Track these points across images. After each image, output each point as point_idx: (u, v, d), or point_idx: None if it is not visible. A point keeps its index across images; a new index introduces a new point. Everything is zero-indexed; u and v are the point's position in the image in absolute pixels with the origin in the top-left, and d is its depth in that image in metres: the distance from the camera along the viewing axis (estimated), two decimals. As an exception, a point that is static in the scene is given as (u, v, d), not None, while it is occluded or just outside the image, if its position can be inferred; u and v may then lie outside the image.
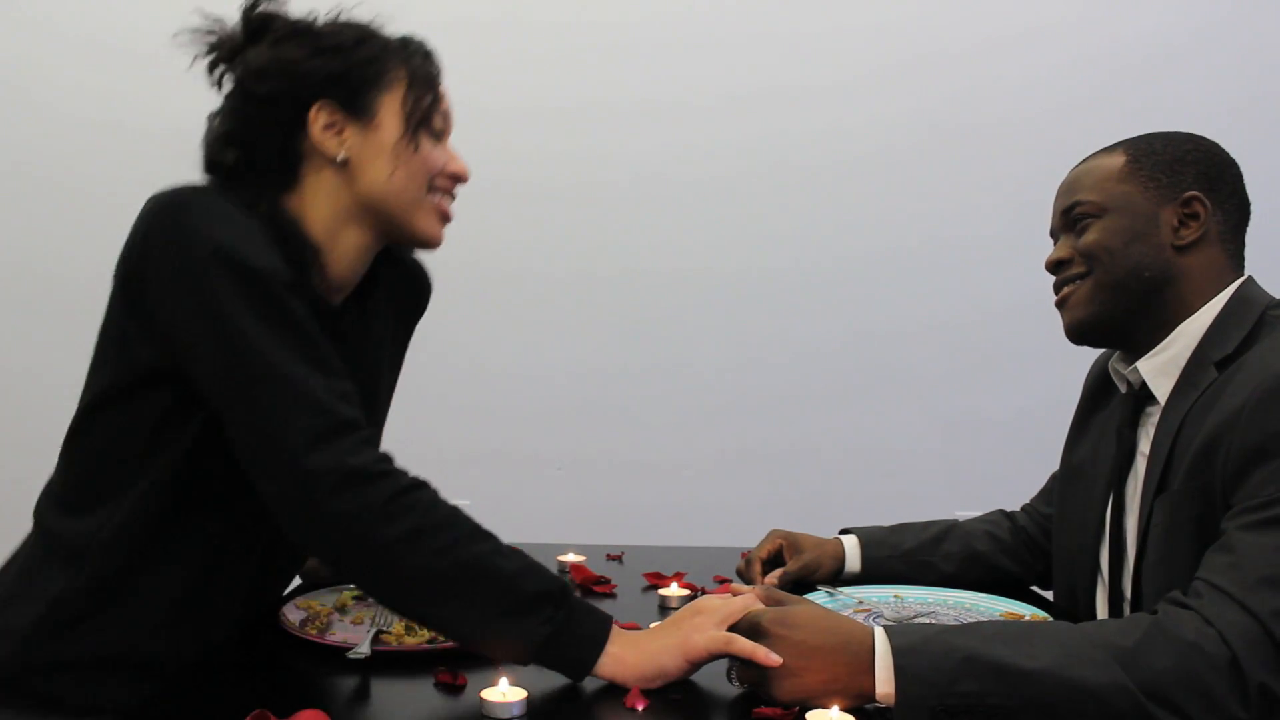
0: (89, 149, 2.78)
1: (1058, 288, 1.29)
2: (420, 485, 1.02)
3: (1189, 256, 1.21)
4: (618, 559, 1.59)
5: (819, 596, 1.34)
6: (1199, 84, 2.71)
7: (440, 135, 1.22)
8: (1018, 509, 1.58)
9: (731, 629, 1.02)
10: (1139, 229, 1.22)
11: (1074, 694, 0.92)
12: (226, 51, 1.18)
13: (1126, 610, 1.21)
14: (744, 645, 0.99)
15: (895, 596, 1.36)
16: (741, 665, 1.01)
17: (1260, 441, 1.03)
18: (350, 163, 1.16)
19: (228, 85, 1.18)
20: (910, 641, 0.96)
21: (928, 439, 2.83)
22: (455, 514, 1.02)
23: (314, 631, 1.17)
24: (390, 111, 1.17)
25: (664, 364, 2.84)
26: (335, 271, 1.18)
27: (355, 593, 1.33)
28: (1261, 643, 0.93)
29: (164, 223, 1.05)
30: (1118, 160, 1.25)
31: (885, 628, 0.98)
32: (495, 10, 2.76)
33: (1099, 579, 1.28)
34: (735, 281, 2.80)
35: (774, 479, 2.82)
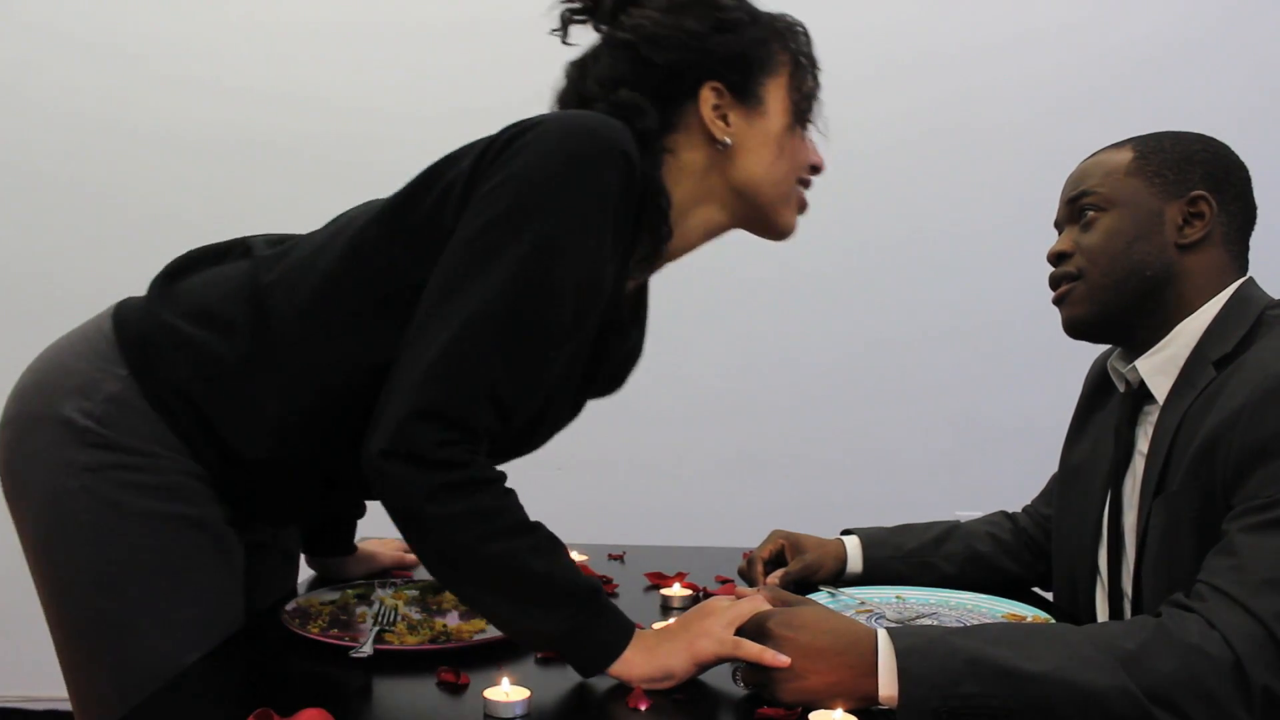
0: (88, 150, 2.78)
1: (1055, 282, 1.28)
2: (488, 480, 1.01)
3: (1191, 256, 1.21)
4: (619, 559, 1.59)
5: (821, 597, 1.34)
6: (1202, 84, 2.71)
7: (809, 123, 1.20)
8: (1019, 510, 1.58)
9: (738, 632, 1.02)
10: (1143, 225, 1.21)
11: (1077, 697, 0.92)
12: (600, 9, 1.15)
13: (1127, 610, 1.21)
14: (752, 649, 0.99)
15: (897, 597, 1.36)
16: (747, 667, 1.01)
17: (1261, 441, 1.03)
18: (730, 148, 1.13)
19: (582, 35, 1.16)
20: (913, 643, 0.96)
21: (930, 441, 2.83)
22: (502, 507, 1.01)
23: (316, 630, 1.17)
24: (776, 99, 1.15)
25: (666, 364, 2.83)
26: (674, 249, 1.17)
27: (358, 591, 1.33)
28: (1265, 645, 0.93)
29: (556, 147, 1.01)
30: (1125, 155, 1.25)
31: (888, 630, 0.98)
32: (495, 11, 2.76)
33: (1098, 579, 1.28)
34: (736, 282, 2.80)
35: (775, 480, 2.82)
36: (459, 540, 0.99)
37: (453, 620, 1.23)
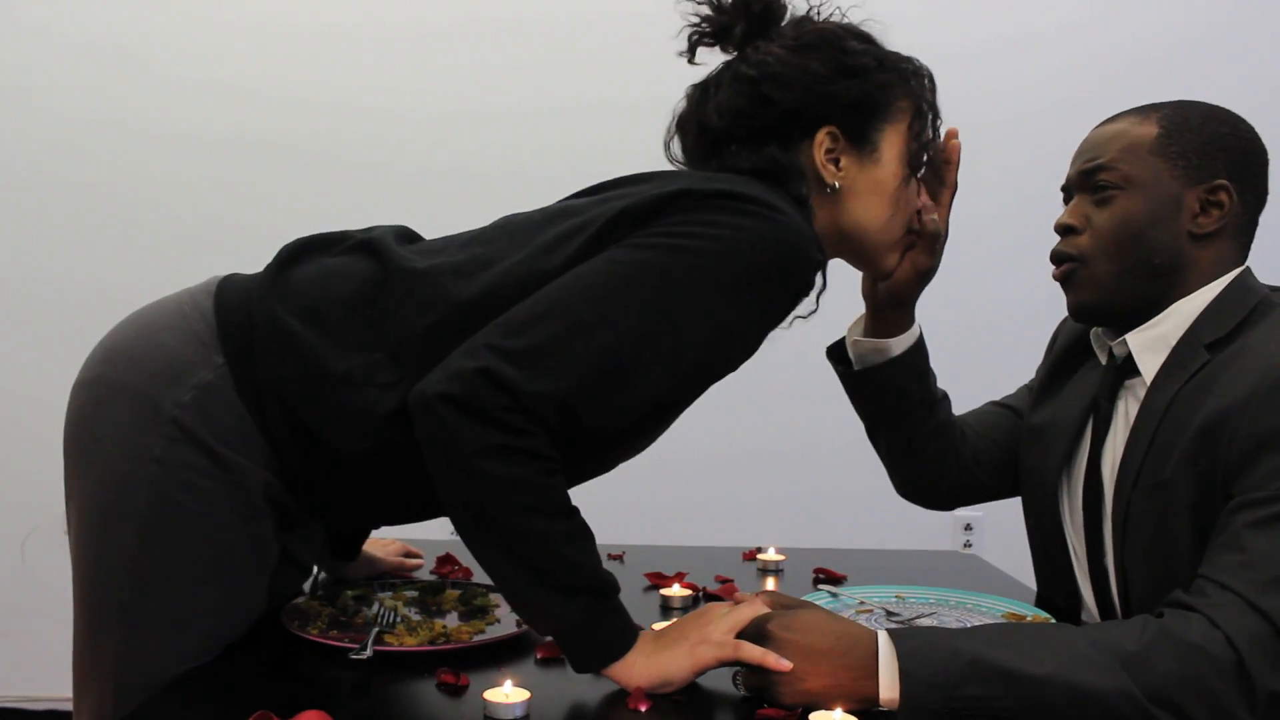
0: (86, 152, 2.78)
1: (1059, 258, 1.23)
2: (544, 458, 0.98)
3: (1202, 247, 1.17)
4: (619, 559, 1.59)
5: (821, 598, 1.34)
6: (1205, 84, 2.71)
7: (920, 171, 1.19)
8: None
9: (739, 636, 1.02)
10: (1159, 211, 1.17)
11: (1079, 699, 0.91)
12: (729, 36, 1.15)
13: (1114, 589, 1.19)
14: (753, 652, 0.99)
15: (897, 597, 1.36)
16: (748, 670, 1.01)
17: (1271, 431, 1.01)
18: (840, 192, 1.13)
19: (710, 62, 1.16)
20: (914, 645, 0.95)
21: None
22: (551, 485, 0.99)
23: (316, 632, 1.17)
24: (892, 147, 1.14)
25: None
26: None
27: (357, 592, 1.33)
28: (1271, 645, 0.93)
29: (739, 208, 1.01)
30: (1150, 130, 1.19)
31: (889, 631, 0.98)
32: (496, 11, 2.76)
33: (1072, 553, 1.27)
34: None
35: (776, 480, 2.82)
36: (500, 504, 0.97)
37: (452, 622, 1.23)
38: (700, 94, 1.18)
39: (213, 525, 1.08)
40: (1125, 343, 1.20)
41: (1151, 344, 1.18)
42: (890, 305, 1.34)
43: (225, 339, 1.09)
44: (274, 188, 2.76)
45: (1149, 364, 1.17)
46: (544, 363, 0.96)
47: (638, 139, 3.01)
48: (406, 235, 1.19)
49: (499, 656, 1.11)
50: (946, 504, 1.52)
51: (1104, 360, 1.26)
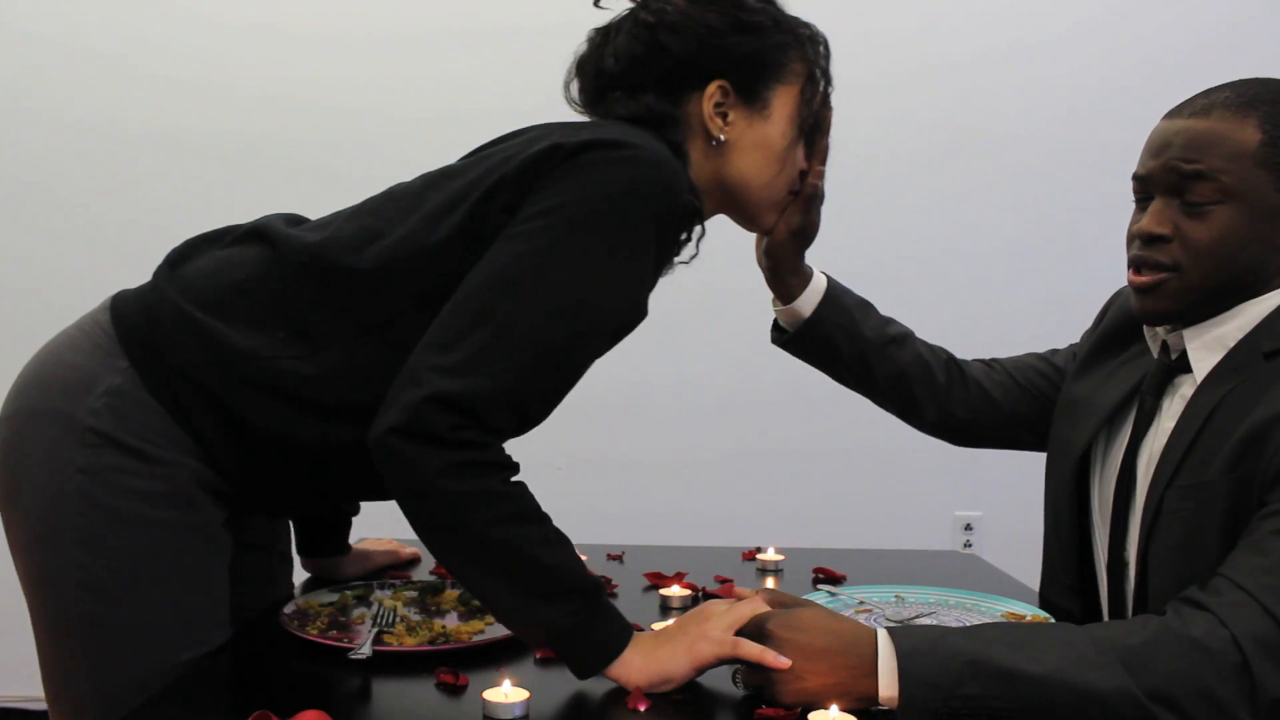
0: (85, 154, 2.78)
1: (1145, 265, 1.14)
2: (502, 466, 1.00)
3: None
4: (619, 559, 1.59)
5: (820, 597, 1.34)
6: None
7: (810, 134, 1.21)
8: (979, 360, 1.52)
9: (738, 634, 1.02)
10: (1260, 227, 1.09)
11: (1078, 698, 0.91)
12: None
13: (1130, 581, 1.18)
14: (752, 649, 0.99)
15: (896, 597, 1.36)
16: (747, 668, 1.01)
17: None
18: (726, 146, 1.15)
19: (612, 9, 1.18)
20: (914, 644, 0.95)
21: (928, 440, 2.82)
22: (516, 491, 1.01)
23: (315, 632, 1.17)
24: (783, 107, 1.16)
25: (666, 364, 2.83)
26: None
27: (357, 592, 1.33)
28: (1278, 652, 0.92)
29: (614, 170, 1.03)
30: (1253, 135, 1.09)
31: (889, 630, 0.98)
32: (497, 13, 2.76)
33: (1095, 544, 1.26)
34: (736, 281, 2.79)
35: (775, 480, 2.82)
36: (468, 519, 0.98)
37: (452, 621, 1.23)
38: (601, 38, 1.20)
39: (152, 521, 1.09)
40: (1182, 338, 1.16)
41: (1208, 343, 1.13)
42: (775, 269, 1.37)
43: (127, 343, 1.11)
44: (274, 189, 2.76)
45: (1202, 363, 1.13)
46: (485, 369, 0.98)
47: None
48: (295, 219, 1.21)
49: (498, 656, 1.11)
50: (953, 439, 1.51)
51: (1155, 351, 1.22)
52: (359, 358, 1.08)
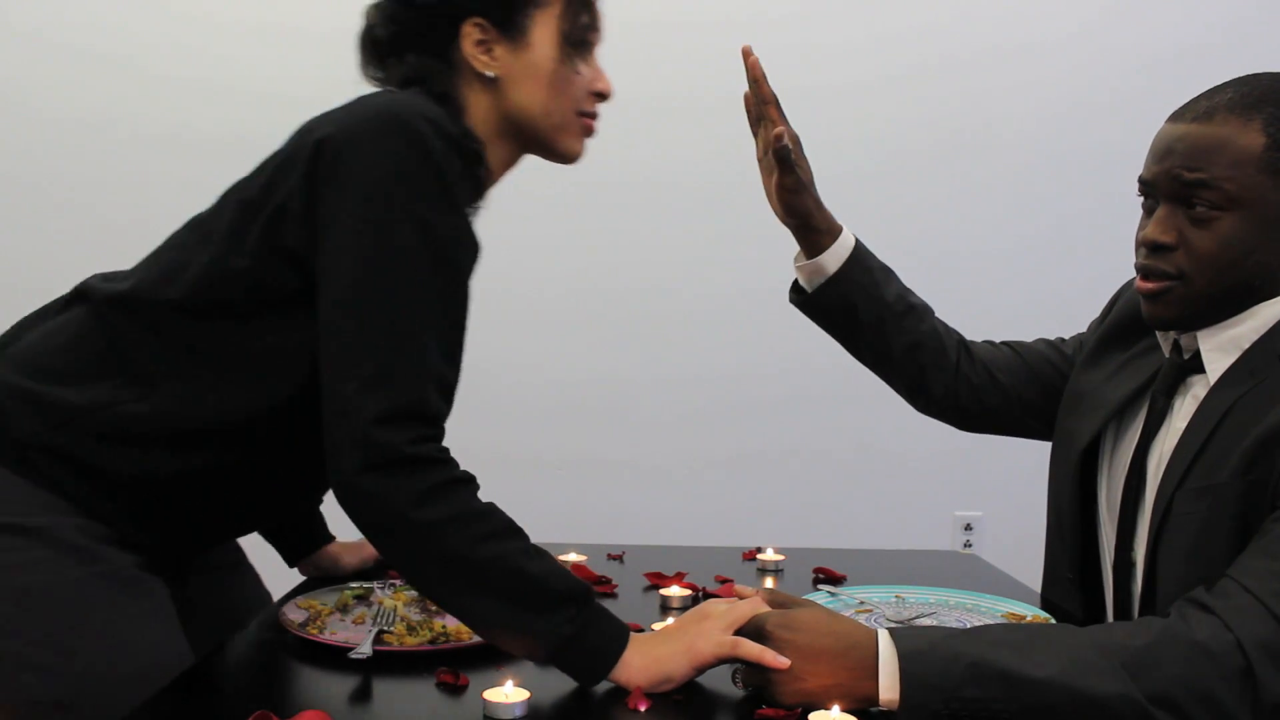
0: (84, 154, 2.78)
1: (1151, 274, 1.13)
2: (466, 480, 1.02)
3: None
4: (619, 559, 1.59)
5: (820, 597, 1.34)
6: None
7: (590, 51, 1.21)
8: (989, 342, 1.52)
9: (737, 633, 1.02)
10: (1266, 233, 1.08)
11: (1079, 702, 0.91)
12: None
13: (1137, 583, 1.18)
14: (751, 649, 0.99)
15: (897, 597, 1.36)
16: (746, 668, 1.01)
17: None
18: (500, 80, 1.16)
19: None
20: (915, 646, 0.95)
21: (928, 440, 2.82)
22: (490, 510, 1.03)
23: (315, 631, 1.17)
24: (544, 31, 1.16)
25: (665, 363, 2.83)
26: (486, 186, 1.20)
27: (357, 592, 1.33)
28: None
29: (381, 137, 1.04)
30: (1256, 140, 1.07)
31: (890, 631, 0.98)
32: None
33: (1102, 543, 1.26)
34: (735, 281, 2.80)
35: (775, 480, 2.82)
36: (450, 544, 0.99)
37: (452, 621, 1.23)
38: (374, 11, 1.22)
39: (55, 585, 1.08)
40: (1195, 339, 1.15)
41: (1223, 345, 1.12)
42: (801, 225, 1.38)
43: None
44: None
45: (1216, 364, 1.13)
46: (400, 365, 1.01)
47: (641, 142, 3.01)
48: (110, 276, 1.22)
49: (499, 656, 1.10)
50: (958, 422, 1.50)
51: (1167, 350, 1.21)
52: (194, 385, 1.10)
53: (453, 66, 1.16)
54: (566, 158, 1.23)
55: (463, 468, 1.03)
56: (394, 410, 0.99)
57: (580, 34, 1.18)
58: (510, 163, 1.23)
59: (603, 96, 1.22)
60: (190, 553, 1.24)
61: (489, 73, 1.15)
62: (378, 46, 1.20)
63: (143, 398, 1.10)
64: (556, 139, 1.20)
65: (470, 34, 1.15)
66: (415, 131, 1.04)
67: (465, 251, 1.11)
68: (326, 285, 1.04)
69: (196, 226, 1.16)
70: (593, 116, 1.22)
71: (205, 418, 1.09)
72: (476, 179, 1.15)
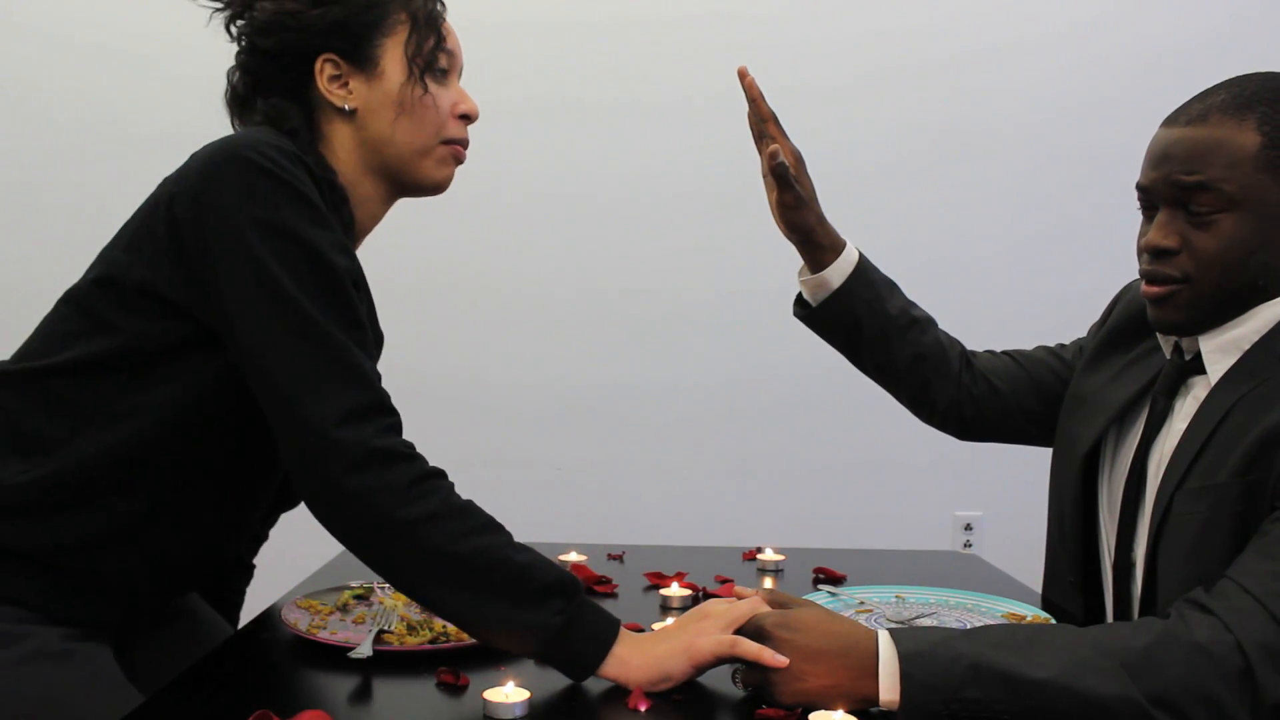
0: (83, 154, 2.78)
1: (1156, 279, 1.13)
2: (439, 474, 1.03)
3: None
4: (619, 559, 1.59)
5: (820, 597, 1.34)
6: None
7: (447, 75, 1.22)
8: (988, 351, 1.52)
9: (737, 633, 1.02)
10: (1267, 232, 1.09)
11: (1080, 704, 0.91)
12: (237, 5, 1.18)
13: (1137, 583, 1.18)
14: (750, 648, 0.99)
15: (897, 597, 1.36)
16: (746, 668, 1.01)
17: None
18: (359, 113, 1.17)
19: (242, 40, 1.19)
20: (916, 647, 0.95)
21: (928, 441, 2.82)
22: (470, 505, 1.03)
23: (315, 631, 1.17)
24: (393, 58, 1.17)
25: (665, 363, 2.84)
26: (360, 228, 1.20)
27: (356, 592, 1.33)
28: None
29: (223, 174, 1.05)
30: (1252, 139, 1.08)
31: (890, 632, 0.98)
32: (497, 12, 2.76)
33: (1102, 544, 1.26)
34: (735, 282, 2.80)
35: (775, 480, 2.82)
36: (433, 542, 1.00)
37: (452, 621, 1.23)
38: (231, 69, 1.22)
39: None
40: (1196, 340, 1.15)
41: (1223, 346, 1.13)
42: (804, 240, 1.39)
43: None
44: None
45: (1216, 365, 1.13)
46: (337, 366, 1.02)
47: (641, 143, 3.01)
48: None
49: (499, 656, 1.10)
50: (959, 433, 1.51)
51: (1168, 351, 1.21)
52: (80, 446, 1.08)
53: (312, 105, 1.17)
54: (433, 187, 1.22)
55: (456, 468, 1.04)
56: (350, 408, 1.00)
57: (429, 57, 1.18)
58: (384, 201, 1.23)
59: (467, 119, 1.23)
60: (129, 616, 1.18)
61: (346, 105, 1.16)
62: (240, 101, 1.21)
63: (35, 465, 1.07)
64: (418, 167, 1.20)
65: (324, 70, 1.16)
66: (245, 159, 1.04)
67: (340, 252, 1.08)
68: (231, 329, 1.04)
69: (69, 300, 1.15)
70: (461, 143, 1.23)
71: (95, 476, 1.07)
72: (338, 209, 1.14)
